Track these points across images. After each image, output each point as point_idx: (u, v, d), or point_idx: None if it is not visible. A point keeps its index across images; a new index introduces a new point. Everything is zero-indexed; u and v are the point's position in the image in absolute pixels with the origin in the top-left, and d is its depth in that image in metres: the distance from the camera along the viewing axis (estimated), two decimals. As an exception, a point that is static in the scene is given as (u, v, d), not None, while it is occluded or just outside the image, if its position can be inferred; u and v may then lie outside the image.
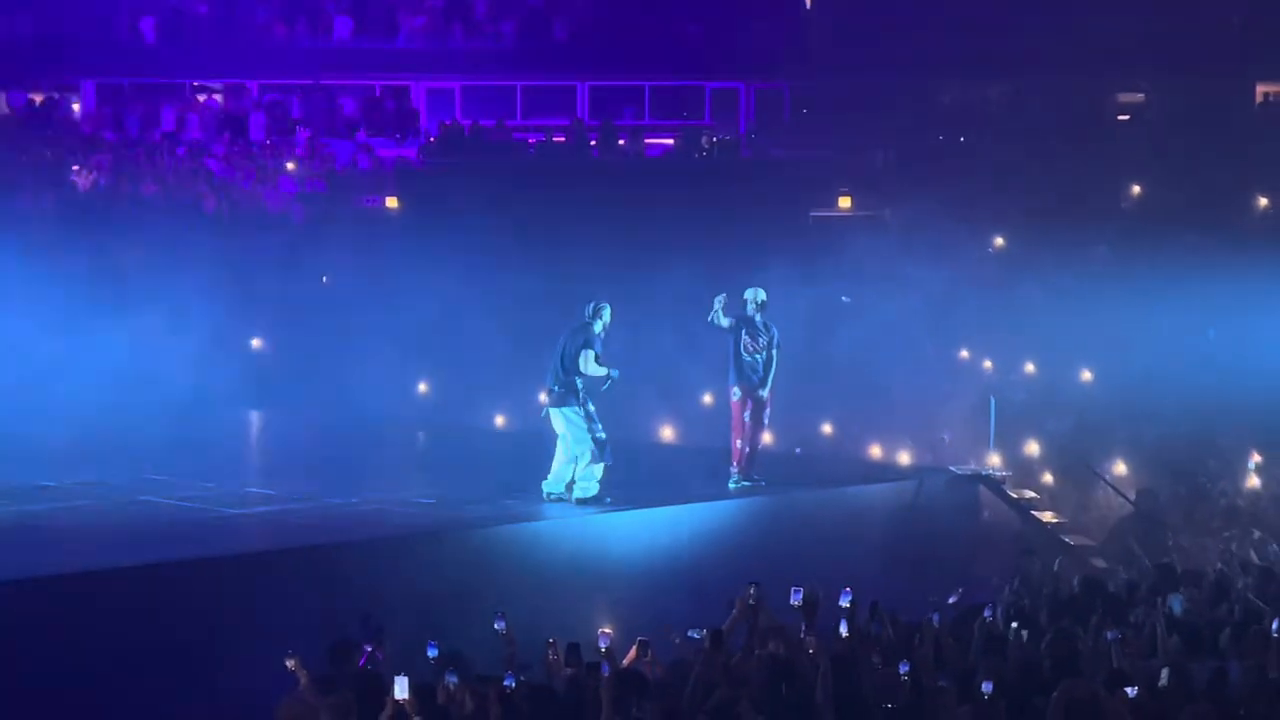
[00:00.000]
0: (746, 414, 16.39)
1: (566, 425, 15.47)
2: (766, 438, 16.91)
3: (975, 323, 21.82)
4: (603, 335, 15.27)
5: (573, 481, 15.61)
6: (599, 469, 15.51)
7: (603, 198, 25.29)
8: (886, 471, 18.82)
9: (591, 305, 15.35)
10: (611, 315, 15.38)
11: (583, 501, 15.44)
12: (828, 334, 21.58)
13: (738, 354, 16.16)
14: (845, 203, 26.45)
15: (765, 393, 16.29)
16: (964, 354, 21.70)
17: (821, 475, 18.24)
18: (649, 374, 19.22)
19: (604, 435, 15.34)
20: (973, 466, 18.71)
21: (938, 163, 26.09)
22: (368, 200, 27.16)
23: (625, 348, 16.79)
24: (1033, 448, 19.31)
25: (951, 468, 18.59)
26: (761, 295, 16.17)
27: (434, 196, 26.27)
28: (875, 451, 20.02)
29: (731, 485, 16.44)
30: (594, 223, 24.50)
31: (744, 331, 16.11)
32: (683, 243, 22.90)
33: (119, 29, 31.21)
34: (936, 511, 17.44)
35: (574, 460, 15.55)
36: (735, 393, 16.42)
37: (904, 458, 19.51)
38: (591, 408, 15.32)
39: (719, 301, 15.78)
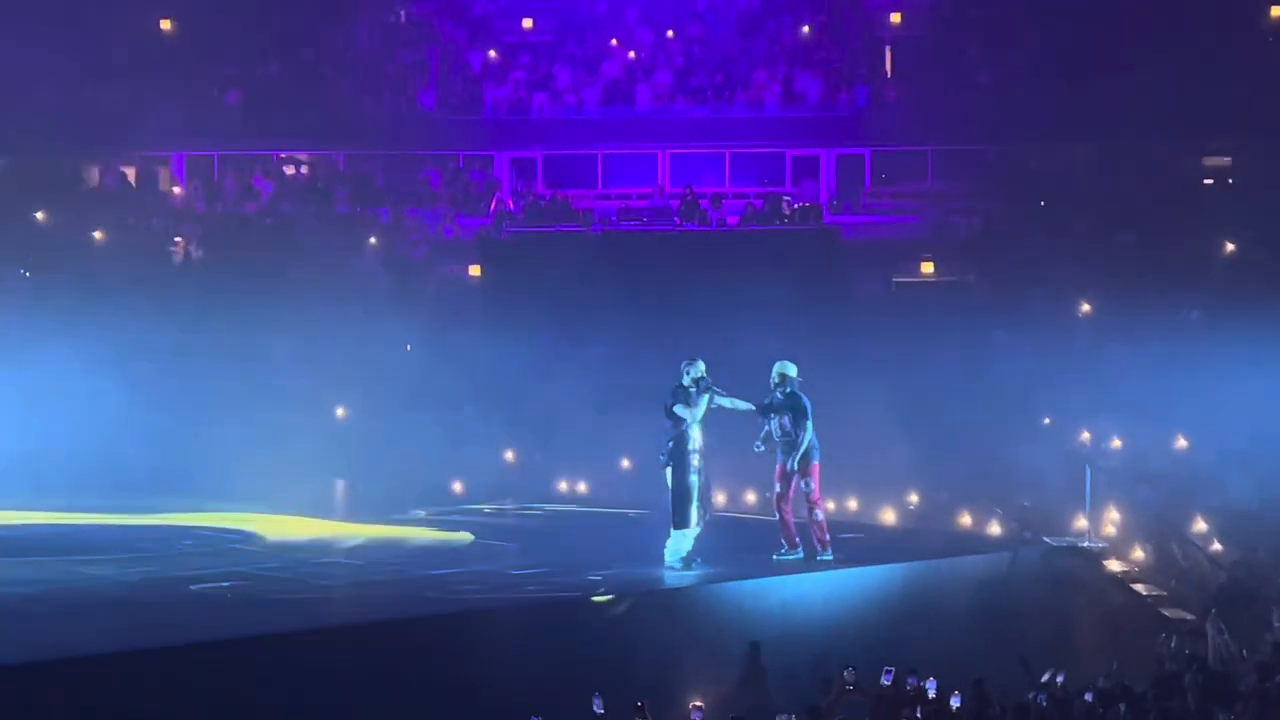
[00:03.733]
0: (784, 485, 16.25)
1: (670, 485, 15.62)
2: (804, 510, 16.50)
3: (1064, 389, 21.65)
4: (695, 389, 15.49)
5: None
6: (690, 533, 15.57)
7: (686, 264, 25.31)
8: (978, 543, 18.54)
9: (684, 363, 15.68)
10: (703, 369, 15.65)
11: (670, 566, 15.53)
12: (913, 401, 21.50)
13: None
14: (928, 268, 25.75)
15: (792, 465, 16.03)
16: (1051, 421, 21.46)
17: (911, 547, 18.02)
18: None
19: (697, 500, 15.40)
20: (1068, 538, 18.42)
21: (1022, 228, 25.41)
22: (451, 269, 27.10)
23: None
24: (1126, 517, 18.98)
25: (1046, 539, 18.32)
26: (778, 369, 16.07)
27: (516, 265, 26.22)
28: (965, 521, 19.78)
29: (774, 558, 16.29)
30: (676, 289, 24.47)
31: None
32: (766, 309, 23.01)
33: (206, 99, 31.42)
34: (1031, 585, 17.22)
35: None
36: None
37: (994, 528, 19.28)
38: (692, 473, 15.45)
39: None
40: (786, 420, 15.95)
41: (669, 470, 15.60)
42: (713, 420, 15.82)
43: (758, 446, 15.99)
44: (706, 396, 15.59)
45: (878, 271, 26.44)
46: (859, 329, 23.67)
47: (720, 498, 19.81)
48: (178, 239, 28.64)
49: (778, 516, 16.32)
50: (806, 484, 16.01)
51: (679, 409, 15.54)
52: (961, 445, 20.61)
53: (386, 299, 25.72)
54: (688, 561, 15.61)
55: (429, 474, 23.01)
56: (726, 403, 15.74)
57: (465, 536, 18.31)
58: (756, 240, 28.49)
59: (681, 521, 15.62)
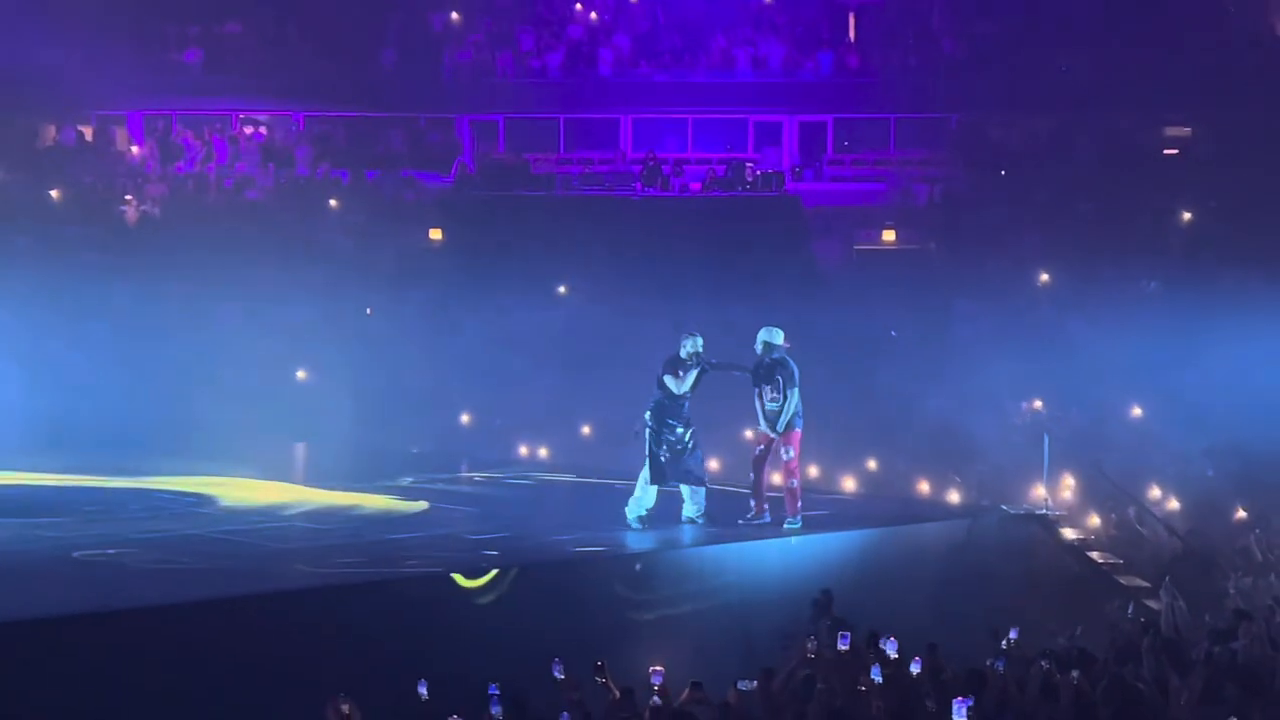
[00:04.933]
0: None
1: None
2: (777, 478, 16.59)
3: (1023, 357, 21.50)
4: (690, 363, 15.76)
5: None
6: (653, 491, 15.95)
7: (648, 230, 25.51)
8: (936, 510, 18.51)
9: (684, 336, 15.99)
10: (700, 344, 15.87)
11: (630, 524, 15.93)
12: (872, 368, 21.56)
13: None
14: (889, 236, 25.79)
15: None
16: (1011, 390, 21.47)
17: (870, 514, 17.98)
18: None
19: (667, 458, 15.77)
20: (1026, 506, 18.36)
21: (983, 196, 25.63)
22: (412, 232, 27.17)
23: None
24: (1083, 485, 19.04)
25: (1004, 507, 18.28)
26: (762, 336, 16.08)
27: (477, 229, 26.33)
28: (923, 488, 19.79)
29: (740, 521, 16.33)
30: (638, 257, 24.51)
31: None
32: (727, 275, 23.17)
33: (164, 58, 31.20)
34: (989, 552, 17.11)
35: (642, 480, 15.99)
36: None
37: (953, 496, 19.26)
38: (665, 433, 15.75)
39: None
40: (769, 389, 15.96)
41: (646, 434, 15.84)
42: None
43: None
44: (697, 372, 15.76)
45: (839, 239, 26.45)
46: (820, 296, 23.71)
47: (714, 464, 19.88)
48: (128, 197, 28.19)
49: (752, 477, 16.29)
50: (787, 451, 16.01)
51: (668, 379, 15.77)
52: (920, 413, 20.66)
53: (347, 262, 25.50)
54: (644, 520, 15.86)
55: (390, 439, 22.93)
56: (678, 387, 15.93)
57: (422, 504, 18.21)
58: (719, 206, 28.37)
59: (653, 478, 15.84)
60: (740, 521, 16.18)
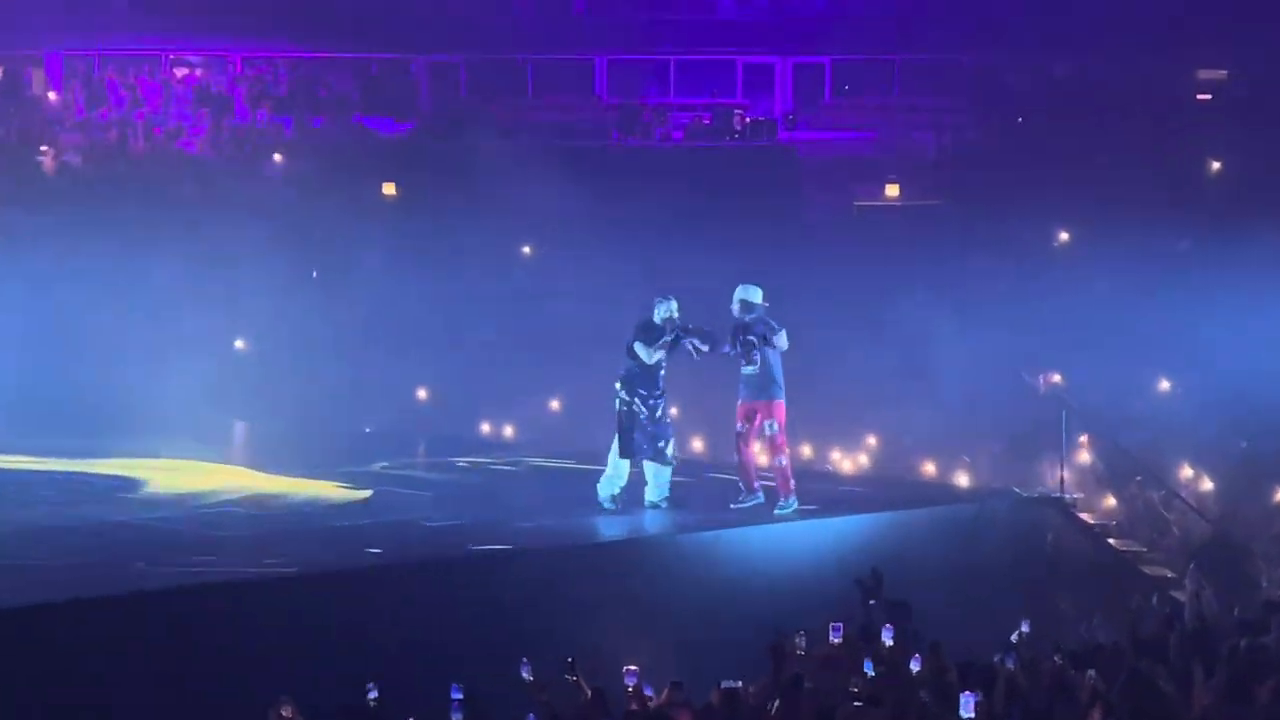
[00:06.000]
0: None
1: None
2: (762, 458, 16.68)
3: (1039, 325, 21.59)
4: (664, 326, 15.86)
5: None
6: (625, 468, 16.11)
7: (625, 185, 25.35)
8: (943, 493, 18.62)
9: (657, 299, 16.05)
10: (675, 308, 15.96)
11: (601, 503, 16.16)
12: (872, 336, 21.53)
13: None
14: (893, 191, 25.82)
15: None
16: (1027, 360, 21.08)
17: (870, 497, 18.03)
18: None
19: (638, 433, 15.92)
20: (1040, 488, 18.43)
21: (997, 147, 25.84)
22: (363, 186, 26.97)
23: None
24: (1104, 465, 19.04)
25: (1017, 489, 18.33)
26: (739, 294, 16.16)
27: (434, 182, 26.32)
28: (929, 469, 19.84)
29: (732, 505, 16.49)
30: (614, 214, 24.53)
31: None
32: (713, 233, 23.09)
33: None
34: (999, 538, 17.25)
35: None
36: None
37: (962, 477, 19.27)
38: (637, 405, 15.87)
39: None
40: (746, 353, 16.02)
41: (617, 405, 16.04)
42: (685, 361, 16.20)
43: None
44: (670, 338, 15.85)
45: (837, 193, 26.48)
46: (816, 256, 23.67)
47: (698, 444, 20.44)
48: (44, 148, 28.15)
49: (737, 459, 16.34)
50: (770, 425, 16.05)
51: (638, 347, 15.84)
52: (926, 385, 20.66)
53: (291, 219, 25.49)
54: (618, 500, 16.09)
55: (339, 416, 23.02)
56: (690, 344, 15.94)
57: (367, 492, 18.33)
58: (704, 157, 28.35)
59: (623, 452, 15.95)
60: (732, 505, 16.31)
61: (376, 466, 20.05)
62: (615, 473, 16.17)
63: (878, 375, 20.87)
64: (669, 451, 16.12)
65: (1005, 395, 20.23)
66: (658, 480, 16.12)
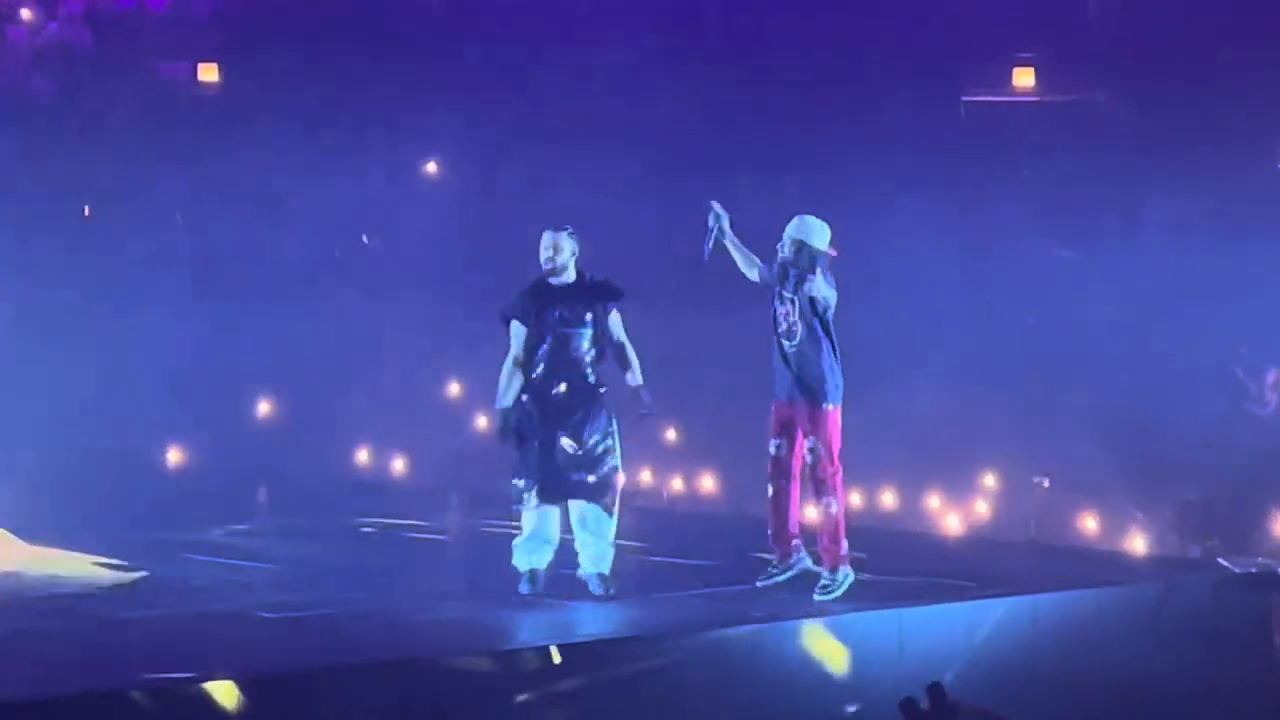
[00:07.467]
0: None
1: None
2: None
3: (1254, 300, 17.84)
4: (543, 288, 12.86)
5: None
6: (551, 518, 12.57)
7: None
8: (1108, 565, 15.59)
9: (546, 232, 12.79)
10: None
11: (520, 587, 12.81)
12: (984, 309, 18.48)
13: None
14: (1025, 78, 20.95)
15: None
16: (1241, 357, 18.02)
17: (989, 572, 14.59)
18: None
19: (553, 459, 12.60)
20: (1260, 559, 16.51)
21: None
22: (165, 68, 22.61)
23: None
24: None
25: (1221, 560, 16.31)
26: (792, 232, 12.64)
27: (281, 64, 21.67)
28: (1087, 525, 17.64)
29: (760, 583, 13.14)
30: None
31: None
32: (731, 140, 19.31)
33: None
34: (1191, 636, 14.16)
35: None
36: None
37: (1136, 540, 17.05)
38: (522, 429, 12.64)
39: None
40: (789, 322, 12.37)
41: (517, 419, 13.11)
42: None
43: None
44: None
45: (934, 81, 21.10)
46: (895, 182, 19.37)
47: (646, 476, 18.79)
48: None
49: (770, 496, 12.70)
50: (817, 446, 12.57)
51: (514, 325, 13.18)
52: (1074, 392, 17.66)
53: (52, 119, 20.43)
54: (542, 578, 12.38)
55: (134, 443, 18.40)
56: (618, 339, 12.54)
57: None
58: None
59: (544, 495, 12.37)
60: (759, 583, 12.92)
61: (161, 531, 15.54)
62: (539, 528, 12.63)
63: (997, 377, 17.87)
64: (612, 491, 12.75)
65: (1202, 408, 17.51)
66: (599, 539, 12.69)
